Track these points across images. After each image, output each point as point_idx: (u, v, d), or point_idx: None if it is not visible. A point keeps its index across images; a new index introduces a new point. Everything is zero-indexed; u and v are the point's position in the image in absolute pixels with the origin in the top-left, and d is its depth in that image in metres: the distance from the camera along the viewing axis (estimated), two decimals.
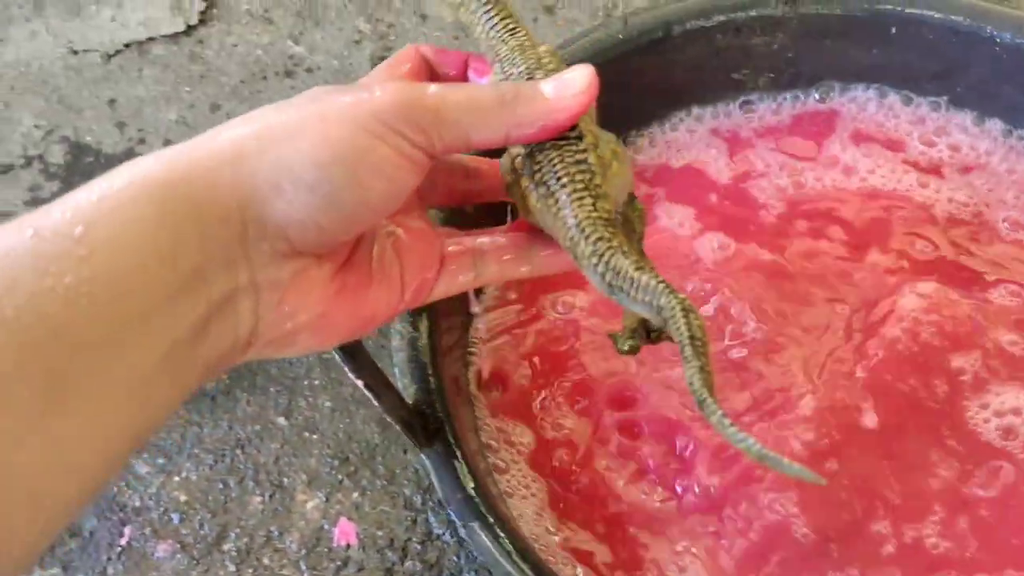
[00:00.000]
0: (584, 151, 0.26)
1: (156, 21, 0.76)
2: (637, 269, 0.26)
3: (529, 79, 0.26)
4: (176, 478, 0.56)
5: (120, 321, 0.20)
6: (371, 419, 0.57)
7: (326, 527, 0.53)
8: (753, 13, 0.49)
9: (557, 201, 0.26)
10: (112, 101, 0.71)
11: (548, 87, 0.25)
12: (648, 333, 0.31)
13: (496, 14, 0.28)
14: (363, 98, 0.23)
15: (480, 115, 0.25)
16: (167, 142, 0.70)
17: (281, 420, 0.58)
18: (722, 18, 0.49)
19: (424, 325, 0.43)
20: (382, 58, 0.74)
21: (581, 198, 0.25)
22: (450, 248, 0.30)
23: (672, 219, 0.52)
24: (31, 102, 0.71)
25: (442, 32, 0.75)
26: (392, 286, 0.27)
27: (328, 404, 0.58)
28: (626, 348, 0.32)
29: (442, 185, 0.31)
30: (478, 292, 0.51)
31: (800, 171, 0.53)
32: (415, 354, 0.42)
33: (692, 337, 0.27)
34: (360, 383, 0.37)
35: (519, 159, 0.27)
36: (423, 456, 0.41)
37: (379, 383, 0.38)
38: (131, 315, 0.20)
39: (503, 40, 0.28)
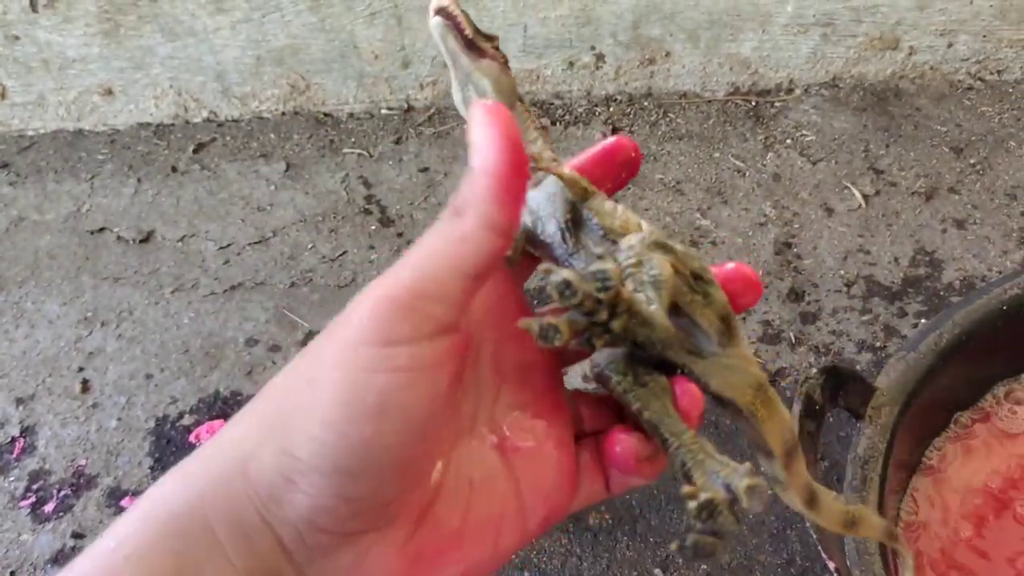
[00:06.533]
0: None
1: None
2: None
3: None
4: None
5: None
6: None
7: None
8: None
9: None
10: None
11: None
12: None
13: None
14: (340, 337, 0.19)
15: (446, 258, 0.20)
16: None
17: (658, 571, 0.59)
18: None
19: None
20: (786, 243, 0.77)
21: None
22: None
23: None
24: None
25: (847, 227, 0.77)
26: (499, 513, 0.22)
27: (704, 568, 0.59)
28: None
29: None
30: None
31: None
32: None
33: None
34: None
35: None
36: None
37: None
38: None
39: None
